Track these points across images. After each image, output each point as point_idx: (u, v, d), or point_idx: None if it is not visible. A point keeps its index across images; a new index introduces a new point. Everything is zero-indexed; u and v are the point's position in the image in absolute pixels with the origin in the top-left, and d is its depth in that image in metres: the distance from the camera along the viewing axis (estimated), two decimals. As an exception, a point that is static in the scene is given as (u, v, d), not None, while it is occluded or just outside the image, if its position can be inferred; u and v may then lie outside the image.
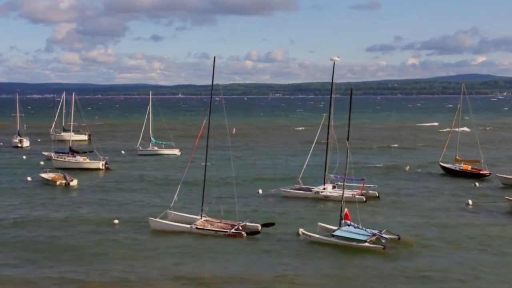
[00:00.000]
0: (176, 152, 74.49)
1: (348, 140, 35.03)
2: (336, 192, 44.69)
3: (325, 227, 33.10)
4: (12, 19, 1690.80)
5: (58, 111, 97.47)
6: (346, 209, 33.21)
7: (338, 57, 44.25)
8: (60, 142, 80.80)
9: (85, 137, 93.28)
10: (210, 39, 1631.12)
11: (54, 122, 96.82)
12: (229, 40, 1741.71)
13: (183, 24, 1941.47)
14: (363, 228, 31.71)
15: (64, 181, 49.94)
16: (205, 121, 36.35)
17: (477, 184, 49.03)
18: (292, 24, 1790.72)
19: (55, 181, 50.32)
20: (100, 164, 59.75)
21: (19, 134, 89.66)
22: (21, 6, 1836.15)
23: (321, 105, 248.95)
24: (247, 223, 34.34)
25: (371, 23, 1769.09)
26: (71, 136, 75.80)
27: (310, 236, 31.92)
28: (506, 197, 40.34)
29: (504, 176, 47.42)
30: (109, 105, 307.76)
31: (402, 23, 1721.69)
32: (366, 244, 30.32)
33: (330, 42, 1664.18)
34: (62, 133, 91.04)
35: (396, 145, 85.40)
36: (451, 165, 54.62)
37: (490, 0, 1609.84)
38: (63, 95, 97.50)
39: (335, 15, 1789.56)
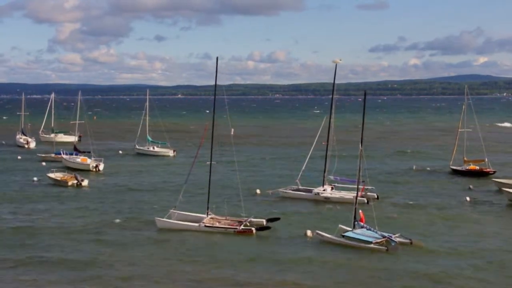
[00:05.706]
0: (170, 153, 74.83)
1: (361, 143, 34.63)
2: (337, 194, 45.15)
3: (345, 229, 32.98)
4: (16, 19, 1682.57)
5: (47, 112, 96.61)
6: (361, 211, 33.43)
7: (341, 59, 44.87)
8: (49, 143, 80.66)
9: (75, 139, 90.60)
10: (214, 40, 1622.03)
11: (43, 123, 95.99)
12: (232, 40, 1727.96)
13: (188, 24, 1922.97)
14: (375, 231, 31.89)
15: (75, 181, 50.45)
16: (208, 122, 36.94)
17: (471, 186, 50.09)
18: (297, 24, 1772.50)
19: (67, 182, 50.68)
20: (90, 166, 59.69)
21: (23, 133, 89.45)
22: (26, 6, 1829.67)
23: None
24: (252, 219, 35.02)
25: (376, 23, 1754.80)
26: (75, 138, 76.19)
27: (322, 235, 32.32)
28: (503, 188, 43.82)
29: (500, 181, 49.40)
30: (109, 105, 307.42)
31: (407, 23, 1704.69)
32: (371, 245, 30.71)
33: (334, 42, 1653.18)
34: (51, 135, 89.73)
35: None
36: (460, 167, 57.80)
37: (496, 0, 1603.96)
38: (52, 96, 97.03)
39: (342, 15, 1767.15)
